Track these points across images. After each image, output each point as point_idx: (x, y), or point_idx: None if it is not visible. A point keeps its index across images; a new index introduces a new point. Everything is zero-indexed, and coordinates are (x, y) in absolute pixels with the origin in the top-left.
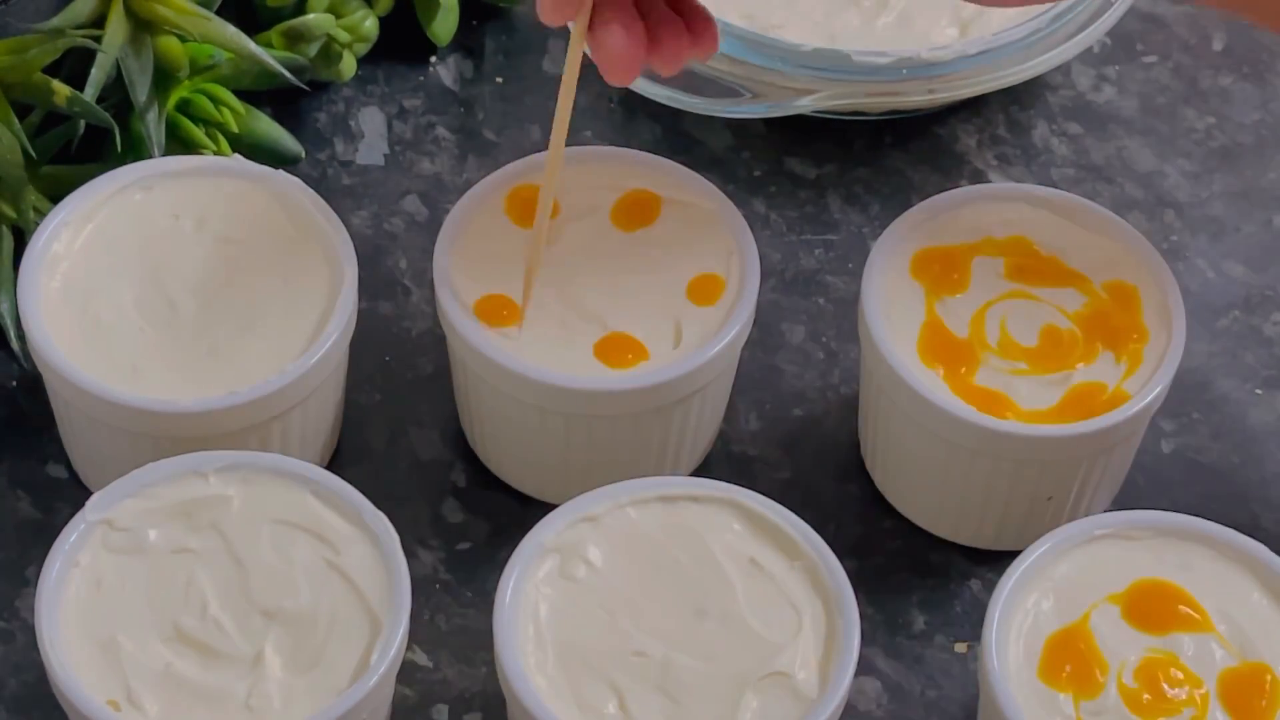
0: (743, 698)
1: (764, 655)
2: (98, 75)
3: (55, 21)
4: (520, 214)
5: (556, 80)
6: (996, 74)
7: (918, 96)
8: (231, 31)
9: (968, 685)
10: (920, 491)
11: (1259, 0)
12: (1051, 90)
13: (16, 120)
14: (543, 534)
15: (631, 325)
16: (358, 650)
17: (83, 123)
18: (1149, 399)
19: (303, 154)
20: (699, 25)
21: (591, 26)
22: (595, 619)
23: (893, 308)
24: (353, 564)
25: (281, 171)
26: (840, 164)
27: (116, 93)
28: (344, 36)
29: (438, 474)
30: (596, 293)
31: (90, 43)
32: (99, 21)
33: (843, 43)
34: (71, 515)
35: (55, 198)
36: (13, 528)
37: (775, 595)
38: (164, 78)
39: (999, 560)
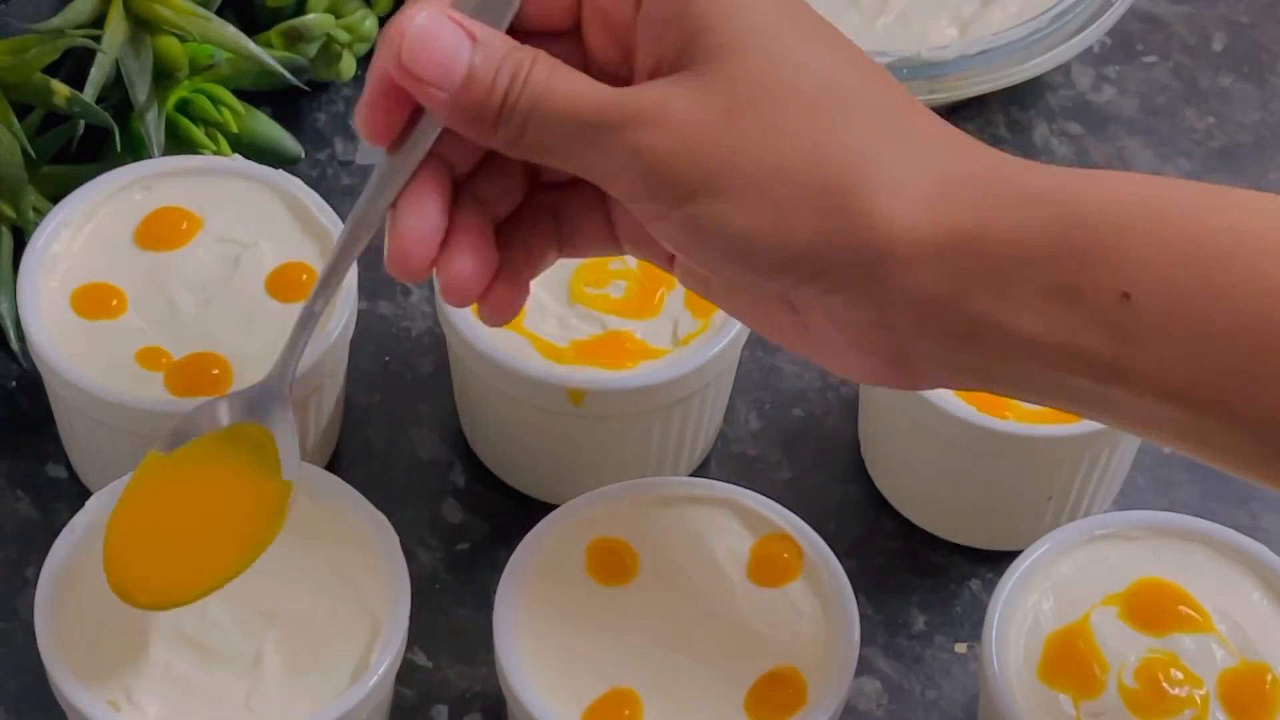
0: (743, 697)
1: (764, 655)
2: (97, 75)
3: (55, 21)
4: None
5: None
6: (996, 74)
7: (918, 96)
8: (231, 31)
9: (968, 685)
10: (920, 492)
11: None
12: (1051, 90)
13: (16, 120)
14: (543, 534)
15: (631, 325)
16: (358, 650)
17: (82, 123)
18: None
19: (302, 154)
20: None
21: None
22: (595, 619)
23: None
24: (353, 564)
25: (281, 171)
26: None
27: (116, 93)
28: (344, 36)
29: (437, 474)
30: (596, 292)
31: (90, 43)
32: (99, 21)
33: None
34: (71, 515)
35: (55, 198)
36: (13, 528)
37: (775, 595)
38: (164, 78)
39: (999, 560)
